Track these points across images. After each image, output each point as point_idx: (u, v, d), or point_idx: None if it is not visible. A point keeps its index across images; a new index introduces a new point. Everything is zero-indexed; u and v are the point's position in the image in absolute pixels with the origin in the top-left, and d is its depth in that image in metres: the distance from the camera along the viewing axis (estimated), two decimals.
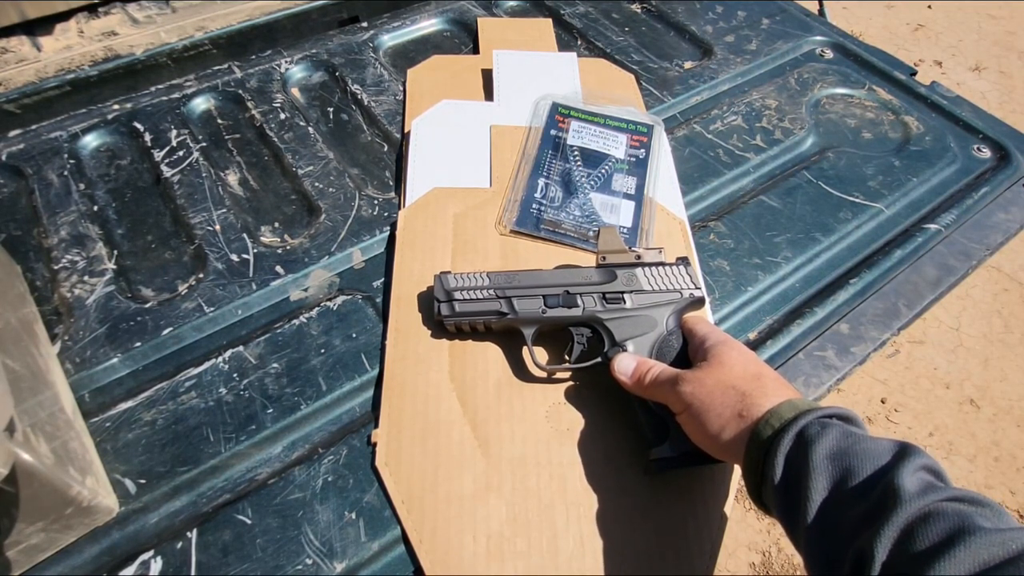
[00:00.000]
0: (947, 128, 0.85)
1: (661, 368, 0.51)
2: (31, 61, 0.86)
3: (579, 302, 0.58)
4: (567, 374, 0.59)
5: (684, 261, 0.60)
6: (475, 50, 0.95)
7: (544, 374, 0.58)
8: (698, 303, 0.58)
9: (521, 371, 0.59)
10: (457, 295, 0.58)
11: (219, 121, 0.84)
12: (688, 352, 0.54)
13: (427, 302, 0.62)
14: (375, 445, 0.54)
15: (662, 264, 0.59)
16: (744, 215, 0.74)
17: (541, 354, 0.60)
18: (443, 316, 0.58)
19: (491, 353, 0.60)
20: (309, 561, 0.49)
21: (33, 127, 0.80)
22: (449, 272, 0.60)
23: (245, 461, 0.54)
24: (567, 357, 0.58)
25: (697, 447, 0.48)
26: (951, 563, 0.30)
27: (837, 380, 0.61)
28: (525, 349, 0.58)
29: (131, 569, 0.48)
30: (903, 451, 0.37)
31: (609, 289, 0.58)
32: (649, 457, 0.51)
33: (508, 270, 0.60)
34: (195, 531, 0.50)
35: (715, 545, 0.50)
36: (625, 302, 0.57)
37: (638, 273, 0.59)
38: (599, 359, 0.56)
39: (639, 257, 0.60)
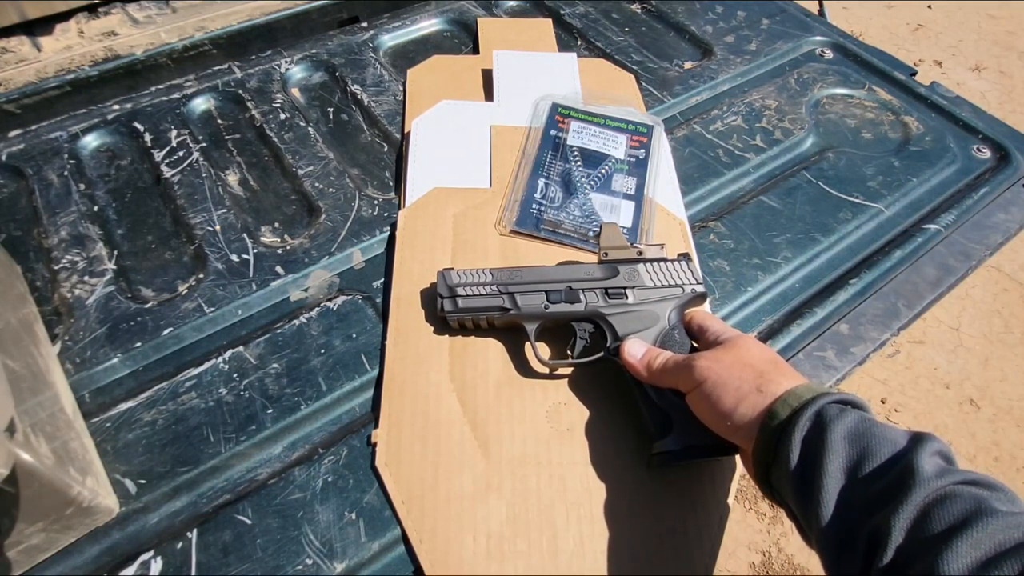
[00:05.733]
0: (947, 128, 0.85)
1: (670, 354, 0.51)
2: (31, 61, 0.86)
3: (581, 297, 0.58)
4: (569, 370, 0.59)
5: (685, 257, 0.60)
6: (475, 50, 0.95)
7: (547, 369, 0.59)
8: (700, 298, 0.59)
9: (523, 367, 0.59)
10: (460, 291, 0.58)
11: (219, 121, 0.84)
12: (700, 347, 0.54)
13: (430, 299, 0.63)
14: (375, 445, 0.54)
15: (664, 260, 0.60)
16: (744, 215, 0.74)
17: (544, 350, 0.60)
18: (446, 312, 0.58)
19: (491, 353, 0.60)
20: (309, 561, 0.49)
21: (33, 127, 0.80)
22: (452, 268, 0.60)
23: (245, 461, 0.54)
24: (569, 353, 0.58)
25: (701, 440, 0.48)
26: (968, 544, 0.30)
27: (837, 380, 0.61)
28: (528, 345, 0.58)
29: (131, 569, 0.48)
30: (919, 437, 0.37)
31: (611, 284, 0.58)
32: (652, 451, 0.51)
33: (510, 267, 0.60)
34: (195, 531, 0.50)
35: (715, 545, 0.50)
36: (627, 297, 0.57)
37: (640, 269, 0.59)
38: (601, 354, 0.56)
39: (641, 253, 0.60)
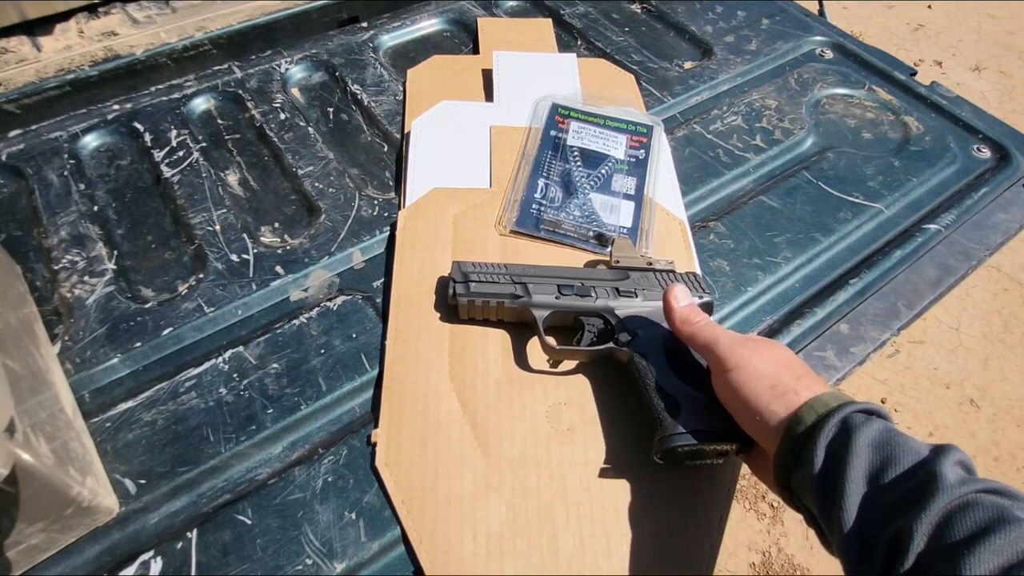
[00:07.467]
0: (947, 128, 0.85)
1: (711, 320, 0.51)
2: (31, 61, 0.86)
3: (593, 293, 0.59)
4: (572, 365, 0.59)
5: (694, 275, 0.61)
6: (475, 50, 0.95)
7: (551, 363, 0.59)
8: (706, 307, 0.59)
9: (524, 367, 0.59)
10: (473, 277, 0.59)
11: (219, 121, 0.84)
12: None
13: (442, 287, 0.63)
14: (375, 445, 0.54)
15: (673, 272, 0.61)
16: (744, 215, 0.74)
17: (551, 342, 0.60)
18: (458, 295, 0.59)
19: (491, 353, 0.60)
20: (309, 561, 0.49)
21: (33, 127, 0.80)
22: (467, 261, 0.61)
23: (245, 461, 0.54)
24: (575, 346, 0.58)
25: (709, 426, 0.47)
26: (990, 551, 0.30)
27: (837, 380, 0.61)
28: (534, 338, 0.59)
29: (131, 569, 0.48)
30: (941, 447, 0.38)
31: (622, 285, 0.59)
32: (659, 435, 0.50)
33: (524, 263, 0.62)
34: (195, 531, 0.50)
35: (715, 545, 0.50)
36: (637, 297, 0.59)
37: (650, 276, 0.61)
38: (611, 344, 0.56)
39: (651, 264, 0.62)
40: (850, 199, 0.76)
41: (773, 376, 0.44)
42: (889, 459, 0.37)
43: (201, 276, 0.66)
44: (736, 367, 0.46)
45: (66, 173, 0.75)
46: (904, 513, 0.34)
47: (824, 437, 0.40)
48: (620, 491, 0.52)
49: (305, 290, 0.66)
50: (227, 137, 0.81)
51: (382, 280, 0.67)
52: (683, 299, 0.53)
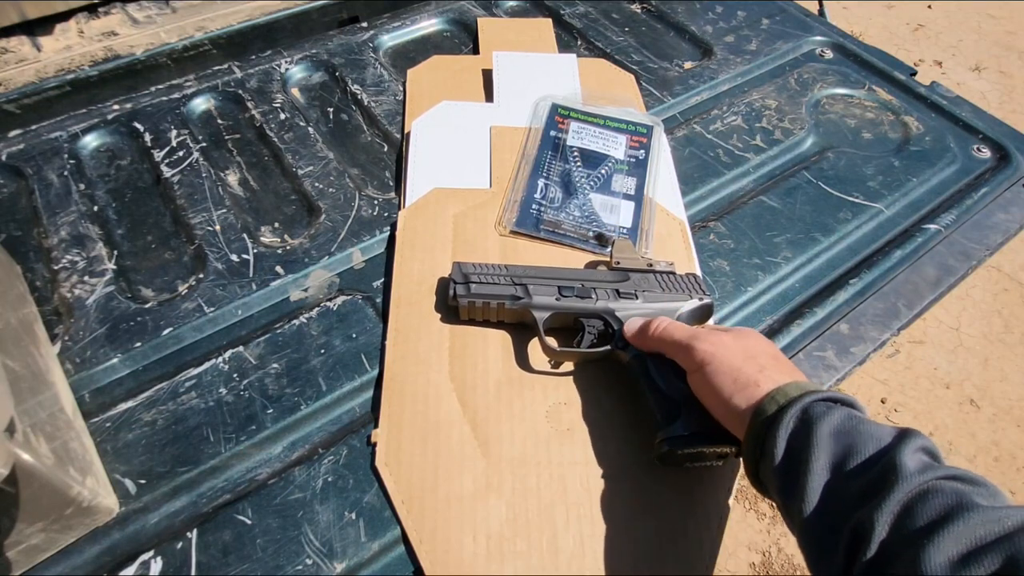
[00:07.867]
0: (947, 128, 0.85)
1: (671, 322, 0.52)
2: (31, 61, 0.86)
3: (593, 295, 0.59)
4: (570, 367, 0.59)
5: (694, 275, 0.61)
6: (475, 50, 0.95)
7: (552, 364, 0.59)
8: (706, 312, 0.59)
9: (524, 367, 0.59)
10: (474, 279, 0.59)
11: (219, 121, 0.83)
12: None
13: (443, 288, 0.63)
14: (375, 445, 0.54)
15: (673, 273, 0.61)
16: (744, 215, 0.74)
17: (551, 343, 0.60)
18: (458, 296, 0.59)
19: (491, 353, 0.60)
20: (309, 561, 0.49)
21: (33, 127, 0.80)
22: (468, 262, 0.61)
23: (245, 461, 0.54)
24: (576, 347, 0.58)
25: (708, 427, 0.48)
26: (948, 538, 0.30)
27: (837, 380, 0.61)
28: (534, 339, 0.59)
29: (131, 569, 0.48)
30: (904, 433, 0.38)
31: (623, 287, 0.60)
32: (658, 438, 0.50)
33: (524, 264, 0.62)
34: (195, 531, 0.50)
35: (715, 545, 0.50)
36: (637, 298, 0.59)
37: (650, 278, 0.61)
38: (609, 347, 0.57)
39: (651, 265, 0.62)
40: (850, 199, 0.76)
41: (735, 369, 0.45)
42: (851, 448, 0.37)
43: (201, 276, 0.66)
44: (701, 365, 0.46)
45: (66, 173, 0.75)
46: (865, 503, 0.35)
47: (784, 428, 0.40)
48: (620, 491, 0.52)
49: (305, 290, 0.66)
50: (227, 137, 0.81)
51: (382, 280, 0.67)
52: (636, 323, 0.55)
